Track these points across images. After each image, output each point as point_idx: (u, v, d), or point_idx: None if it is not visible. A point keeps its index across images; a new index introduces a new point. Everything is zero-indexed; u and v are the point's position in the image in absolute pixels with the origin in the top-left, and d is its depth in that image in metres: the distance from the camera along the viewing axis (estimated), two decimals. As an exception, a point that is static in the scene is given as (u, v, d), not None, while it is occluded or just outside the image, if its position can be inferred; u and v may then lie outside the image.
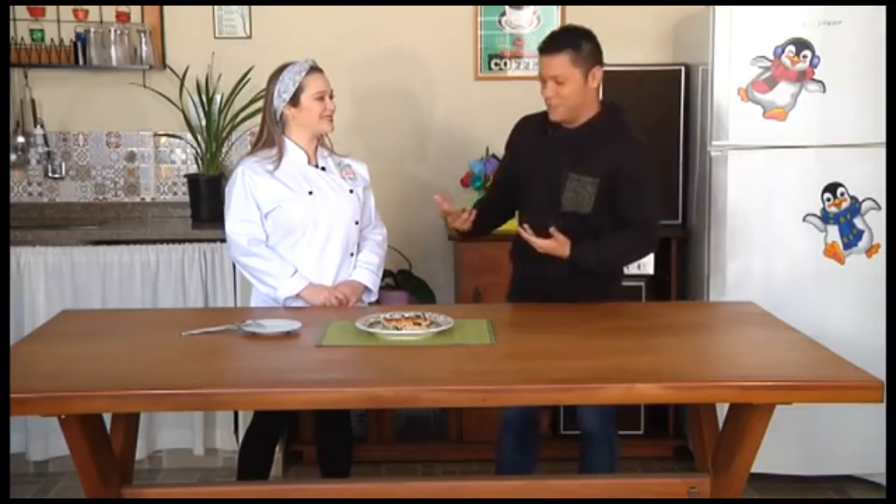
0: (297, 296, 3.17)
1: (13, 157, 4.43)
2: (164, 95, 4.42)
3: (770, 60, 3.78)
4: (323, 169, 3.26)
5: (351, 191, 3.25)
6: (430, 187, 4.55)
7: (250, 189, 3.17)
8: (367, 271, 3.28)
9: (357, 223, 3.27)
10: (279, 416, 3.24)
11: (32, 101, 4.45)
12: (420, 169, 4.58)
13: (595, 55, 3.12)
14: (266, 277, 3.18)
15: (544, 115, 3.20)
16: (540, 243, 3.04)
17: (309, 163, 3.24)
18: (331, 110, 3.20)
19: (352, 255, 3.28)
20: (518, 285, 3.36)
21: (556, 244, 3.05)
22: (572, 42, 3.07)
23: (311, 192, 3.19)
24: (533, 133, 3.26)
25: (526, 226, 3.09)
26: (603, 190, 3.09)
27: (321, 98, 3.17)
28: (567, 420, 4.16)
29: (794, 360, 2.61)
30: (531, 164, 3.22)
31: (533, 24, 4.52)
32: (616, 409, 3.27)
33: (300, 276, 3.17)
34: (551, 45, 3.08)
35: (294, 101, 3.17)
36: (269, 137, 3.22)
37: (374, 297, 3.33)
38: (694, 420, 2.98)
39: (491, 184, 3.50)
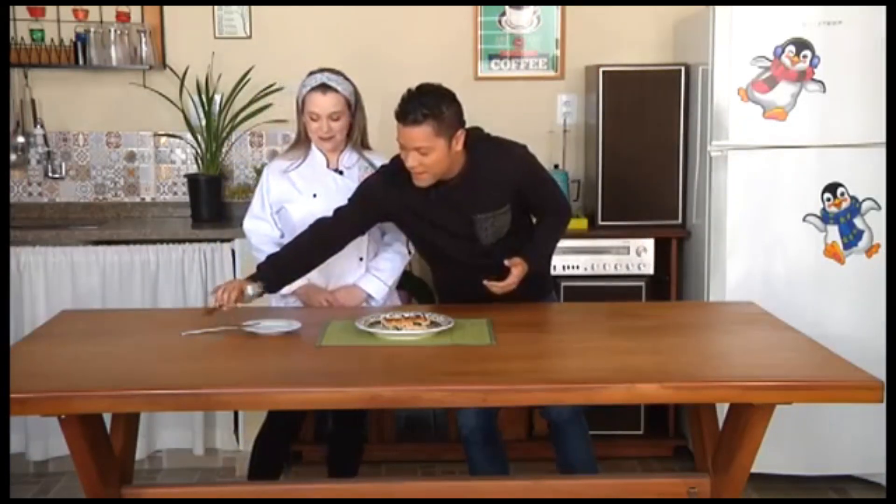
0: (294, 293, 3.22)
1: (13, 157, 4.43)
2: (164, 95, 4.42)
3: (770, 60, 3.78)
4: (341, 173, 3.27)
5: None
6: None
7: (267, 188, 3.28)
8: (374, 278, 3.28)
9: None
10: (293, 413, 3.23)
11: (32, 101, 4.45)
12: (420, 169, 4.57)
13: (458, 118, 2.95)
14: None
15: (401, 170, 3.01)
16: (511, 284, 3.01)
17: (328, 166, 3.28)
18: (324, 132, 3.19)
19: (360, 259, 3.29)
20: (445, 291, 3.33)
21: (520, 271, 3.02)
22: (434, 111, 2.86)
23: (315, 195, 3.21)
24: (402, 195, 3.05)
25: (491, 283, 3.01)
26: (515, 207, 3.08)
27: (315, 119, 3.19)
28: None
29: (794, 360, 2.60)
30: (425, 220, 3.09)
31: (533, 24, 4.52)
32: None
33: None
34: (411, 115, 2.86)
35: (301, 110, 3.24)
36: (299, 137, 3.31)
37: (378, 304, 3.30)
38: (694, 420, 2.98)
39: (332, 222, 3.10)
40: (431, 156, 2.91)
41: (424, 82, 2.97)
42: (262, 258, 3.20)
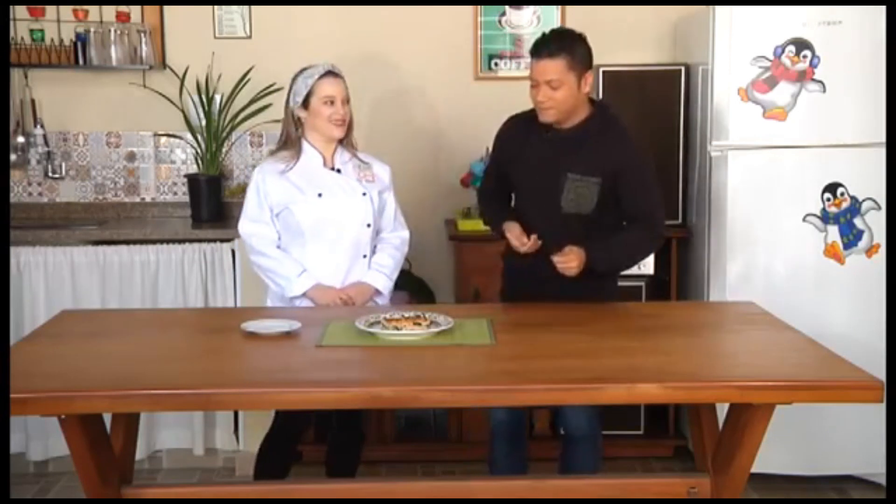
0: (305, 295, 3.20)
1: (13, 157, 4.43)
2: (164, 95, 4.42)
3: (770, 60, 3.78)
4: (338, 171, 3.27)
5: (364, 193, 3.26)
6: (430, 187, 4.55)
7: (263, 190, 3.23)
8: (380, 274, 3.28)
9: (369, 226, 3.27)
10: (301, 414, 3.23)
11: (32, 101, 4.45)
12: (420, 169, 4.58)
13: (588, 59, 3.08)
14: (275, 277, 3.23)
15: (532, 114, 3.16)
16: (567, 262, 3.00)
17: (325, 165, 3.27)
18: (341, 115, 3.20)
19: (364, 256, 3.29)
20: (511, 284, 3.35)
21: (571, 259, 3.00)
22: (568, 47, 3.02)
23: (320, 195, 3.21)
24: (523, 133, 3.21)
25: (555, 258, 3.02)
26: (606, 189, 3.09)
27: (330, 103, 3.19)
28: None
29: (794, 360, 2.60)
30: (525, 165, 3.19)
31: (533, 24, 4.52)
32: (602, 410, 3.26)
33: (308, 276, 3.20)
34: (547, 49, 3.02)
35: (305, 103, 3.21)
36: (289, 138, 3.27)
37: (385, 300, 3.31)
38: (694, 420, 2.98)
39: (485, 189, 3.43)
40: (561, 91, 3.02)
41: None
42: (264, 262, 3.22)
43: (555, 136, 3.13)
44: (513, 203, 3.35)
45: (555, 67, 3.00)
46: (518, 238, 3.12)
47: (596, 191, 3.09)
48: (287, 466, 3.33)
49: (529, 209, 3.21)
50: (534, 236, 3.09)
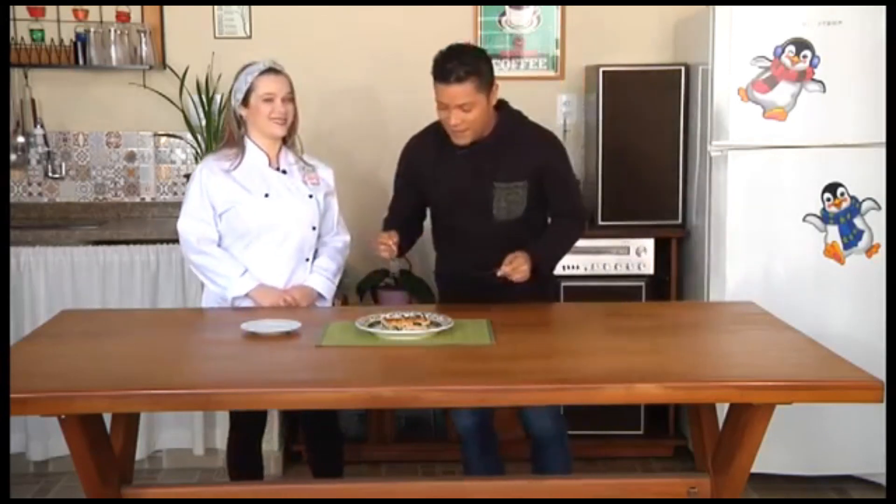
0: (247, 296, 3.15)
1: (13, 157, 4.43)
2: (164, 95, 4.42)
3: (770, 60, 3.78)
4: (284, 172, 3.22)
5: (310, 196, 3.22)
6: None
7: (206, 188, 3.16)
8: (323, 277, 3.25)
9: (314, 228, 3.24)
10: (252, 414, 3.21)
11: (32, 101, 4.45)
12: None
13: (491, 72, 3.05)
14: (215, 276, 3.17)
15: (436, 128, 3.15)
16: (513, 277, 2.99)
17: (270, 165, 3.21)
18: (280, 113, 3.13)
19: (307, 259, 3.25)
20: (446, 294, 3.34)
21: (520, 263, 2.99)
22: (475, 69, 2.98)
23: (266, 195, 3.16)
24: (433, 152, 3.18)
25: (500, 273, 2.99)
26: (532, 190, 3.11)
27: (269, 100, 3.13)
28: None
29: (794, 360, 2.60)
30: (445, 184, 3.15)
31: (533, 24, 4.52)
32: (563, 410, 3.25)
33: (250, 276, 3.15)
34: (455, 74, 2.96)
35: (245, 101, 3.16)
36: (231, 137, 3.21)
37: (327, 304, 3.29)
38: (694, 420, 2.98)
39: (390, 216, 3.30)
40: (474, 111, 3.01)
41: (455, 43, 3.10)
42: (203, 261, 3.15)
43: (472, 149, 3.10)
44: (427, 219, 3.33)
45: (464, 92, 2.97)
46: (382, 242, 3.08)
47: (524, 194, 3.11)
48: (259, 466, 3.32)
49: (459, 224, 3.17)
50: (390, 243, 3.07)
